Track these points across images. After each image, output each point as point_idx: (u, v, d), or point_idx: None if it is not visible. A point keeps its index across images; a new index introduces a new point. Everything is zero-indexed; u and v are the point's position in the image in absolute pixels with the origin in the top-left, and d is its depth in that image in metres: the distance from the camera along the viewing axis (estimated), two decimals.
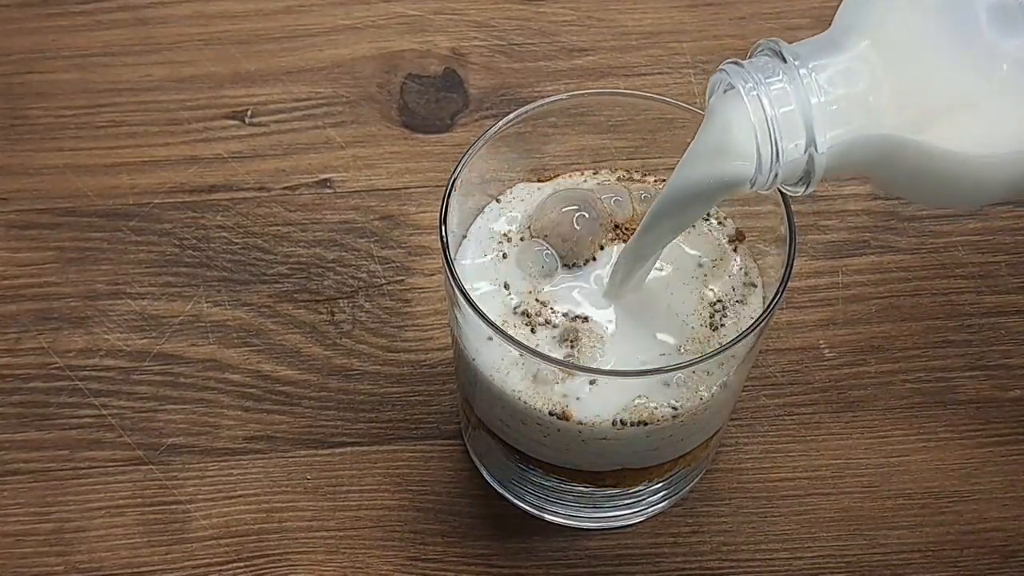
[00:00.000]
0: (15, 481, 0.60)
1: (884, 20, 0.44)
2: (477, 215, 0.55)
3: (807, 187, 0.45)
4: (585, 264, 0.53)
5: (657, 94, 0.54)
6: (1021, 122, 0.44)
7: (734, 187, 0.46)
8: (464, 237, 0.54)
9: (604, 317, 0.51)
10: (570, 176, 0.56)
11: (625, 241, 0.53)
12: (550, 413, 0.49)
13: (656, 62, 0.73)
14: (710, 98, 0.46)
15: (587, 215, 0.52)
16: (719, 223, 0.54)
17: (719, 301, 0.52)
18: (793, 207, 0.50)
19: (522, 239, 0.53)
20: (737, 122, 0.45)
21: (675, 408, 0.49)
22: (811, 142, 0.44)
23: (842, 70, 0.44)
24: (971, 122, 0.44)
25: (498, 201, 0.55)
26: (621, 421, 0.49)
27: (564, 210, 0.53)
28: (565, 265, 0.52)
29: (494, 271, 0.53)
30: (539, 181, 0.55)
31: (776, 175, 0.44)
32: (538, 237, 0.53)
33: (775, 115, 0.44)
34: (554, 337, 0.50)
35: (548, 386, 0.49)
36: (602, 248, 0.53)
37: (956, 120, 0.44)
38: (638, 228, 0.50)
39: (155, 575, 0.57)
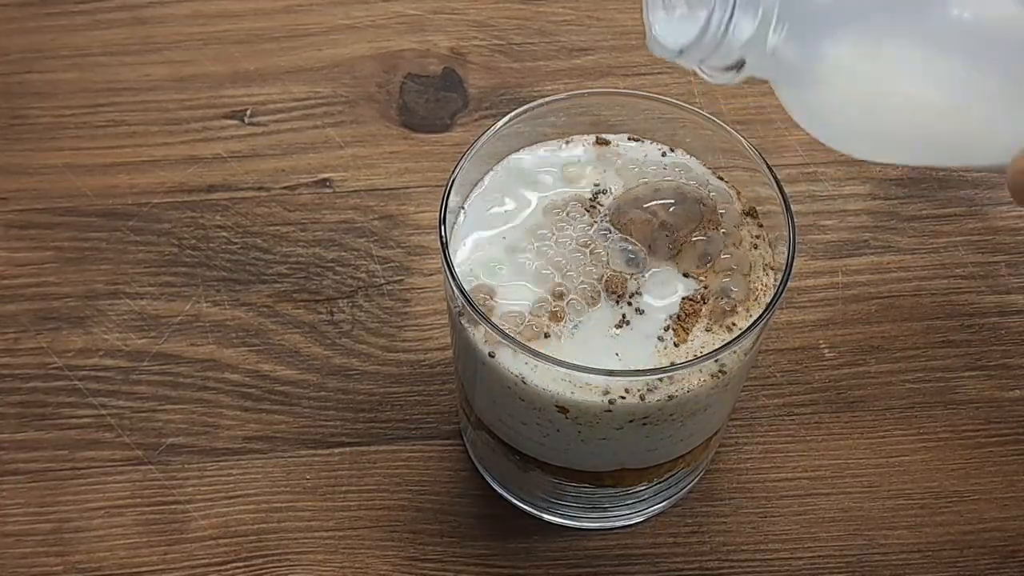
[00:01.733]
0: (14, 481, 0.59)
1: None
2: (476, 185, 0.54)
3: (735, 74, 0.45)
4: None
5: (657, 94, 0.54)
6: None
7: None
8: (462, 208, 0.54)
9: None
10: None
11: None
12: (555, 406, 0.49)
13: (656, 62, 0.72)
14: None
15: (675, 215, 0.52)
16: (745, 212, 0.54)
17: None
18: (793, 207, 0.50)
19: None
20: None
21: (671, 400, 0.49)
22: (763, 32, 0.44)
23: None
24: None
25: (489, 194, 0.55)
26: (610, 401, 0.49)
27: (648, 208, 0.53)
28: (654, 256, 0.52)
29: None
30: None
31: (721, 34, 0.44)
32: (622, 231, 0.52)
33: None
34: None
35: (547, 380, 0.49)
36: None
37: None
38: None
39: (154, 575, 0.57)
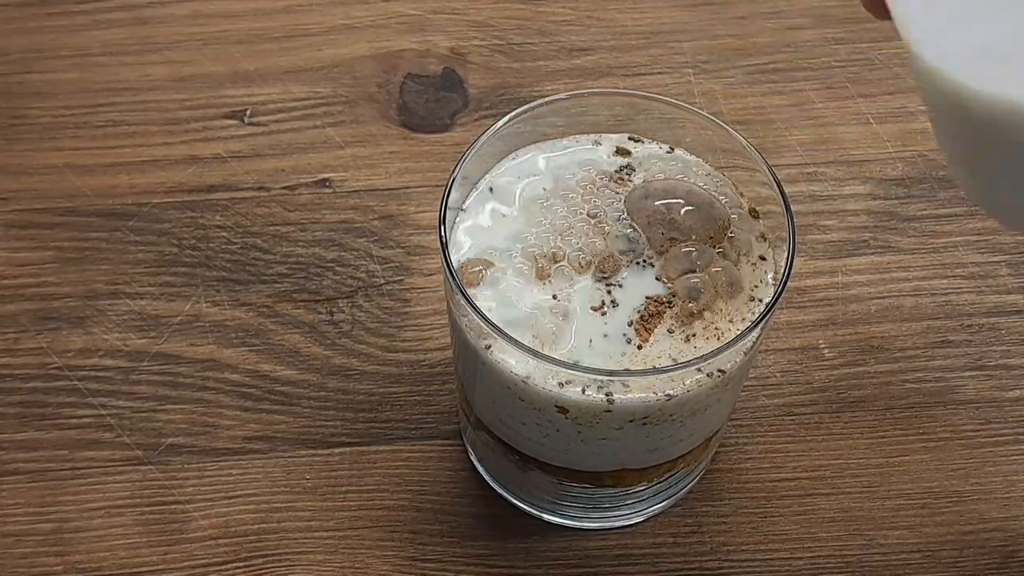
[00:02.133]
0: (14, 481, 0.59)
1: None
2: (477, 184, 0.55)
3: None
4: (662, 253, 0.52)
5: (657, 94, 0.54)
6: None
7: None
8: (463, 209, 0.54)
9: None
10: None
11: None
12: (555, 406, 0.49)
13: (656, 62, 0.73)
14: None
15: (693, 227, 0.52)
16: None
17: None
18: (793, 207, 0.50)
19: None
20: None
21: (671, 400, 0.49)
22: None
23: None
24: None
25: (491, 191, 0.55)
26: (610, 398, 0.49)
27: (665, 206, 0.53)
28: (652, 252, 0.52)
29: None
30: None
31: None
32: (635, 221, 0.52)
33: None
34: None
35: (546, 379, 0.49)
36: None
37: None
38: None
39: (154, 575, 0.57)
